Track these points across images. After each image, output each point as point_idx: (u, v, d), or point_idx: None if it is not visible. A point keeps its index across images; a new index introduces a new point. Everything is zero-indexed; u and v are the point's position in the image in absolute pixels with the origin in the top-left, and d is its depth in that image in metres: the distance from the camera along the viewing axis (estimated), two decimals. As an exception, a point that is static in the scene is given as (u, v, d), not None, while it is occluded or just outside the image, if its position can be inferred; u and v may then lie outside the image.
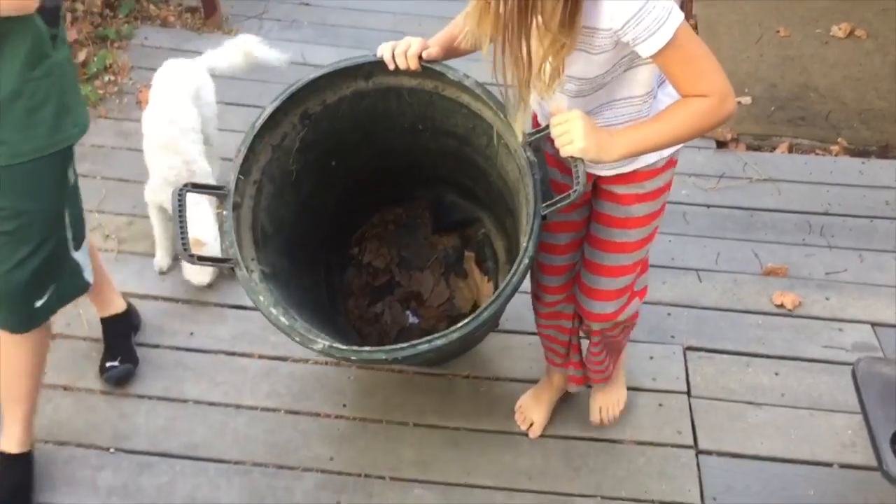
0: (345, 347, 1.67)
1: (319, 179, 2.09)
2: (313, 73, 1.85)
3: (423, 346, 1.61)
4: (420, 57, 1.74)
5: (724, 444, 2.29)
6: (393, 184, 2.30)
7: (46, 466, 2.16)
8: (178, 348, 2.46)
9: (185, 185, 1.83)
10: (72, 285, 1.97)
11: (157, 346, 2.45)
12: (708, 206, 3.00)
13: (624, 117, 1.66)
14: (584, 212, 1.89)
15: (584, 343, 2.18)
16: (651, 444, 2.29)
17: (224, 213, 1.85)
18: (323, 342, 1.69)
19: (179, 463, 2.20)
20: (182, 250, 1.79)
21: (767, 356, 2.51)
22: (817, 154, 3.29)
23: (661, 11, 1.41)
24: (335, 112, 1.93)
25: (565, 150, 1.58)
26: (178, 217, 1.79)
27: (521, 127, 1.67)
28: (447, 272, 2.39)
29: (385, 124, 2.00)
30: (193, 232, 2.33)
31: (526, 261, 1.65)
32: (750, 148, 3.32)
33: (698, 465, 2.24)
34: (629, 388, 2.35)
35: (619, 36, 1.45)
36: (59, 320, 2.30)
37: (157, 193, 2.54)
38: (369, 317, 2.38)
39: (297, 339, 1.70)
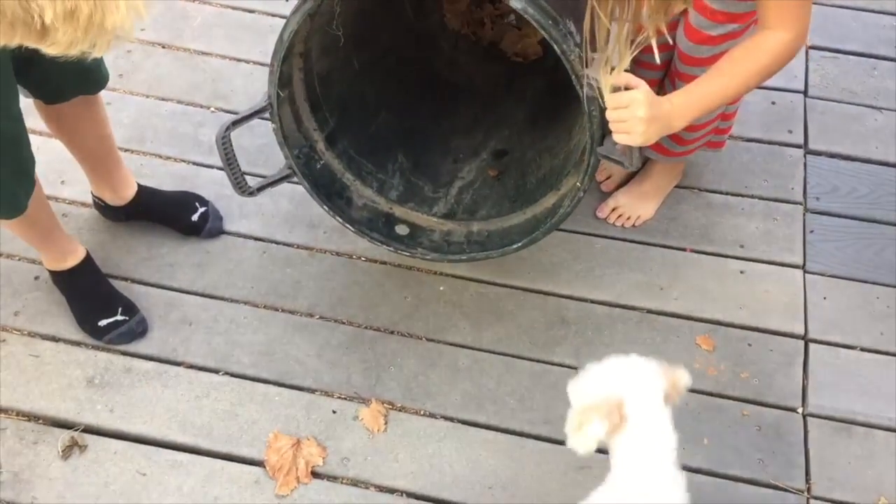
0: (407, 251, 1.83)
1: None
2: None
3: (480, 255, 1.80)
4: None
5: (837, 145, 2.19)
6: None
7: (150, 118, 2.20)
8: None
9: (227, 127, 1.66)
10: None
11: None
12: None
13: None
14: None
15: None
16: (758, 141, 2.20)
17: (273, 127, 1.71)
18: (394, 240, 1.84)
19: (278, 126, 2.21)
20: (239, 192, 1.75)
21: (898, 60, 2.33)
22: None
23: None
24: None
25: (619, 139, 1.36)
26: (227, 162, 1.71)
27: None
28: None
29: None
30: None
31: (581, 194, 1.62)
32: None
33: (805, 165, 2.16)
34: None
35: None
36: None
37: None
38: (468, 19, 2.23)
39: (380, 241, 1.84)
